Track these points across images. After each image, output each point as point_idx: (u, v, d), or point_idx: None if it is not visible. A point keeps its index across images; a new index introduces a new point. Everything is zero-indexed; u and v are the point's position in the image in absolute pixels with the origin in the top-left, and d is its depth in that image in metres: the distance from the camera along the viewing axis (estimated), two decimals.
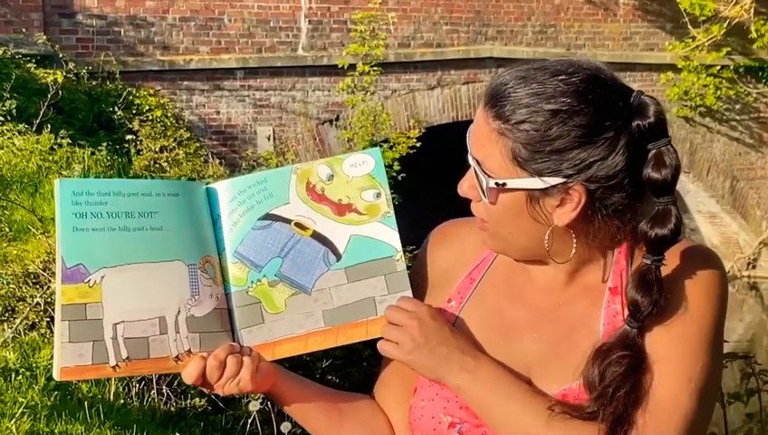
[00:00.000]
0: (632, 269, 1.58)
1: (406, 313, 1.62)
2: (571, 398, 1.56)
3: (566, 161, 1.51)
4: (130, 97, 11.27)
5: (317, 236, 1.69)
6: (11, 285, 5.60)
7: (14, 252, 6.12)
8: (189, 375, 1.60)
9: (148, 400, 5.09)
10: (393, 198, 1.77)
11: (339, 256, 1.68)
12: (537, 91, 1.52)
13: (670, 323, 1.54)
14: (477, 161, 1.56)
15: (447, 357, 1.59)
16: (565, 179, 1.52)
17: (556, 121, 1.50)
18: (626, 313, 1.55)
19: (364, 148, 11.69)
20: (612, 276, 1.61)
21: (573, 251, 1.59)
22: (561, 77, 1.53)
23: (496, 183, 1.54)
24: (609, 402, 1.51)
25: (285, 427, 4.89)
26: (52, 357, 4.73)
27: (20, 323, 5.23)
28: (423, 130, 13.09)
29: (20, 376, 4.20)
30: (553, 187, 1.52)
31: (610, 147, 1.51)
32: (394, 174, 11.10)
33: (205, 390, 1.65)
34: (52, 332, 5.38)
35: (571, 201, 1.53)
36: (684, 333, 1.53)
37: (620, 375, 1.51)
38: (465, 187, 1.60)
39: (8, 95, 9.15)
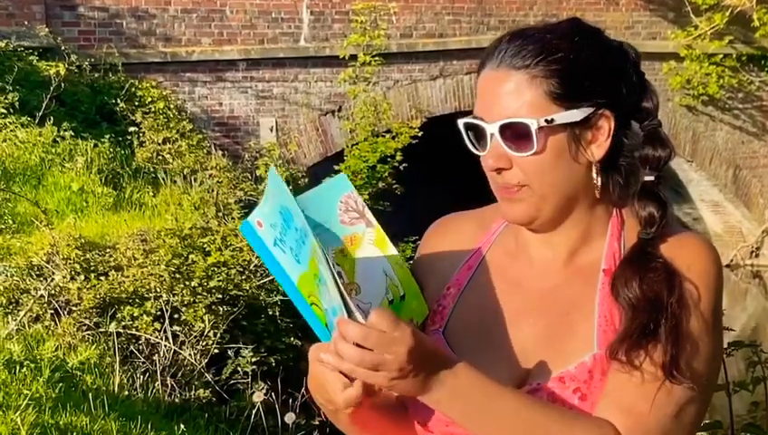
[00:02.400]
0: (625, 250, 1.62)
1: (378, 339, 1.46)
2: (568, 380, 1.56)
3: (594, 88, 1.57)
4: (133, 89, 11.26)
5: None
6: (15, 278, 5.62)
7: (18, 244, 6.14)
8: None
9: (152, 391, 5.11)
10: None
11: None
12: (543, 35, 1.59)
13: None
14: (510, 117, 1.56)
15: (424, 382, 1.48)
16: (594, 108, 1.57)
17: (575, 49, 1.57)
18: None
19: (366, 139, 11.72)
20: (605, 259, 1.63)
21: (598, 186, 1.61)
22: (551, 25, 1.63)
23: (546, 120, 1.55)
24: (666, 312, 1.53)
25: (290, 417, 4.90)
26: (56, 350, 4.75)
27: (24, 315, 5.24)
28: (424, 120, 13.08)
29: (24, 368, 4.21)
30: (588, 117, 1.57)
31: (622, 72, 1.61)
32: (396, 164, 11.11)
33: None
34: (56, 324, 5.39)
35: (602, 132, 1.58)
36: (688, 326, 1.54)
37: (664, 281, 1.54)
38: (492, 160, 1.60)
39: (11, 88, 9.17)
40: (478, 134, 1.61)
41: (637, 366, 1.52)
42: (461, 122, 1.63)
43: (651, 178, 1.61)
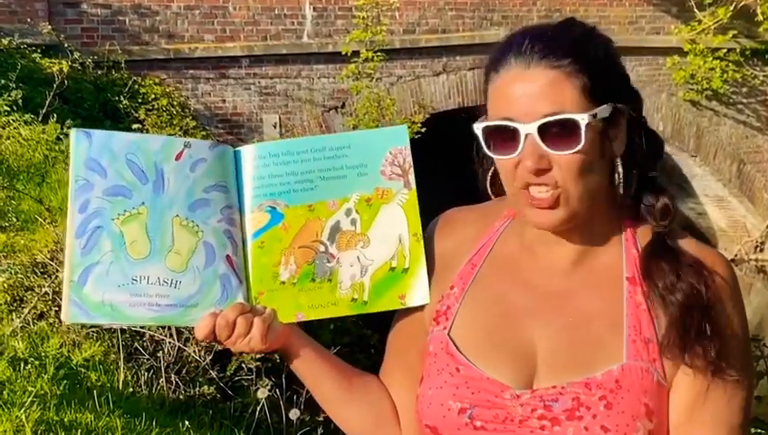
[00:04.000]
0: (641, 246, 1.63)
1: None
2: (594, 386, 1.55)
3: (615, 83, 1.59)
4: (136, 86, 11.27)
5: None
6: (19, 275, 5.61)
7: (22, 242, 6.14)
8: (199, 331, 1.64)
9: (156, 388, 5.11)
10: None
11: None
12: (564, 32, 1.59)
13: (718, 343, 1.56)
14: (552, 114, 1.53)
15: None
16: (616, 104, 1.58)
17: (596, 45, 1.59)
18: (648, 302, 1.58)
19: None
20: (627, 266, 1.61)
21: (620, 179, 1.62)
22: (557, 22, 1.63)
23: (592, 115, 1.54)
24: (709, 307, 1.54)
25: (294, 414, 4.90)
26: (60, 347, 4.75)
27: (28, 312, 5.24)
28: (427, 116, 13.08)
29: (29, 365, 4.21)
30: (614, 112, 1.57)
31: (625, 67, 1.63)
32: None
33: (218, 345, 1.68)
34: (60, 321, 5.40)
35: (621, 129, 1.60)
36: (729, 349, 1.56)
37: (699, 275, 1.55)
38: (529, 163, 1.55)
39: (14, 85, 9.16)
40: (507, 137, 1.56)
41: (701, 370, 1.54)
42: (480, 127, 1.59)
43: (655, 173, 1.63)
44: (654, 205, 1.61)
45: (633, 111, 1.61)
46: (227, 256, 1.67)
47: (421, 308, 1.72)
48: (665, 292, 1.55)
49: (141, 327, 5.19)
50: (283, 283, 1.70)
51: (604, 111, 1.55)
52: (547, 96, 1.54)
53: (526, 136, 1.54)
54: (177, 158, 1.66)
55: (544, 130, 1.53)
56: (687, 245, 1.60)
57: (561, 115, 1.53)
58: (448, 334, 1.66)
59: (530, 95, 1.54)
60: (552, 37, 1.57)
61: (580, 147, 1.53)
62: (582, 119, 1.52)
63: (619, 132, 1.58)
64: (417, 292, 1.71)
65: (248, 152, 1.72)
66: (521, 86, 1.55)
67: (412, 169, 1.73)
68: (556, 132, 1.53)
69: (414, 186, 1.73)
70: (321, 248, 1.70)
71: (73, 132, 1.64)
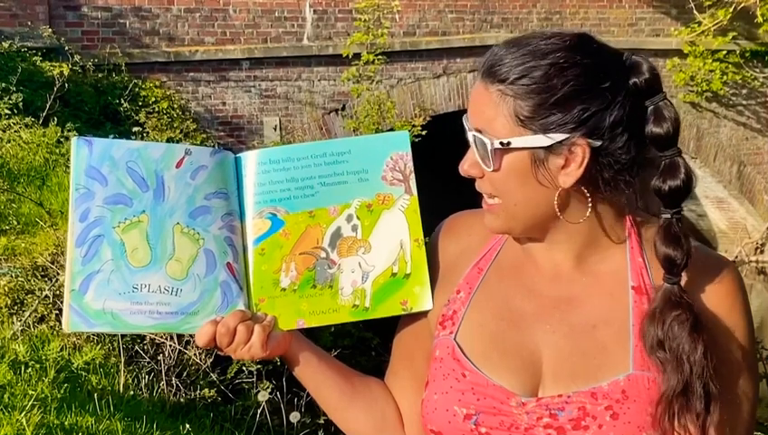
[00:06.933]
0: (651, 264, 1.59)
1: None
2: (600, 396, 1.54)
3: (567, 114, 1.51)
4: (136, 89, 11.27)
5: None
6: (19, 278, 5.61)
7: (23, 245, 6.14)
8: (200, 339, 1.64)
9: (157, 391, 5.11)
10: None
11: None
12: (531, 50, 1.54)
13: (721, 346, 1.55)
14: (478, 130, 1.56)
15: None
16: (568, 135, 1.52)
17: (554, 73, 1.52)
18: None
19: None
20: (632, 275, 1.60)
21: (589, 210, 1.57)
22: (552, 39, 1.56)
23: (501, 143, 1.53)
24: (683, 370, 1.50)
25: (294, 416, 4.90)
26: (61, 350, 4.75)
27: (29, 315, 5.24)
28: (428, 119, 13.08)
29: (30, 369, 4.21)
30: (558, 143, 1.52)
31: (609, 99, 1.53)
32: None
33: (219, 352, 1.67)
34: (60, 324, 5.40)
35: (575, 160, 1.53)
36: (735, 357, 1.55)
37: (687, 336, 1.50)
38: (467, 166, 1.60)
39: (14, 88, 9.16)
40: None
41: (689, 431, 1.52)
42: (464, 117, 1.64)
43: (667, 215, 1.55)
44: (657, 252, 1.55)
45: (617, 143, 1.54)
46: (228, 263, 1.66)
47: (426, 312, 1.72)
48: (651, 352, 1.53)
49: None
50: (284, 289, 1.69)
51: (532, 140, 1.52)
52: (481, 111, 1.57)
53: (470, 142, 1.59)
54: (178, 165, 1.66)
55: (474, 142, 1.57)
56: (699, 275, 1.57)
57: (478, 133, 1.56)
58: (455, 339, 1.65)
59: (473, 106, 1.59)
60: (515, 52, 1.55)
61: (491, 168, 1.56)
62: (488, 143, 1.54)
63: (571, 163, 1.53)
64: (420, 298, 1.70)
65: (249, 159, 1.71)
66: (473, 93, 1.60)
67: (413, 175, 1.73)
68: (479, 148, 1.57)
69: (415, 191, 1.73)
70: (322, 255, 1.70)
71: (74, 141, 1.64)
